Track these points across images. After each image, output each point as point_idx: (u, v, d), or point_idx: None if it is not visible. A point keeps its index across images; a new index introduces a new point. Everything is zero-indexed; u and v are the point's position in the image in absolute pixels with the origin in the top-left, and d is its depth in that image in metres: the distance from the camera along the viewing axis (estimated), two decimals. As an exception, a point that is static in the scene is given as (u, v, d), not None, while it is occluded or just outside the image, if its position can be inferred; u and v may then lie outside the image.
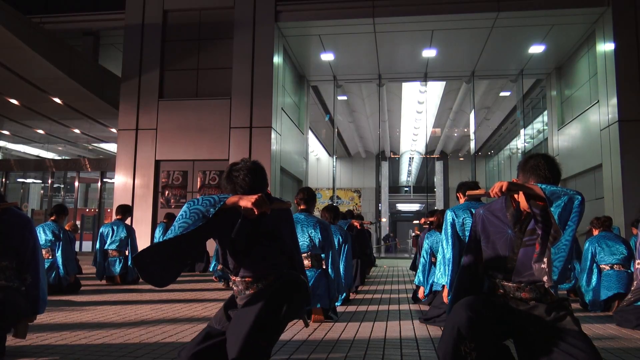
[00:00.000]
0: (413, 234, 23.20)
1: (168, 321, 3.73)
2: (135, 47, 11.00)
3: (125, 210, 7.11)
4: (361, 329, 3.53)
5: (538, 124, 16.26)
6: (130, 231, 6.86)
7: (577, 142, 11.67)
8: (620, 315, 3.98)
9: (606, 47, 9.92)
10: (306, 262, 3.83)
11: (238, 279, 2.22)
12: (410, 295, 5.60)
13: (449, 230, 3.46)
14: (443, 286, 3.66)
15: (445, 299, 3.49)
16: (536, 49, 11.89)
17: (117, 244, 6.70)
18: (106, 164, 15.11)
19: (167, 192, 10.66)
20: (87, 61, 11.99)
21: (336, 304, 4.27)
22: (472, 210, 3.46)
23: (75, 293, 5.53)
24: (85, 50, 13.12)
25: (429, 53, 12.35)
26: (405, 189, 30.32)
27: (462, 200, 3.78)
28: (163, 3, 11.01)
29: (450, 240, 3.45)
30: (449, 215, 3.51)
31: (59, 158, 19.21)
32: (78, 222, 14.94)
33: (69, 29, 13.00)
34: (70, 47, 11.15)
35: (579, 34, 11.00)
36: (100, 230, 6.90)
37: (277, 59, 10.78)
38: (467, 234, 3.41)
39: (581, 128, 11.42)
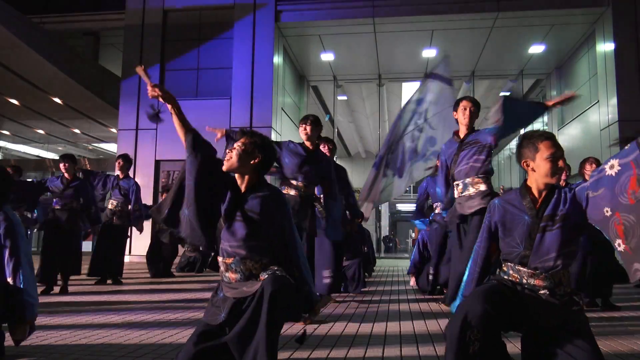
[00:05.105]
0: (413, 234, 23.19)
1: (168, 321, 3.73)
2: (135, 47, 11.00)
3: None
4: (361, 328, 3.53)
5: (538, 124, 16.25)
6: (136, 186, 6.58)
7: (577, 142, 11.66)
8: None
9: (606, 47, 9.92)
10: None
11: (221, 259, 2.27)
12: (410, 296, 5.59)
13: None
14: None
15: None
16: (536, 49, 11.89)
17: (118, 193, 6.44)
18: (106, 164, 15.11)
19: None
20: (87, 61, 11.99)
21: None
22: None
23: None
24: (85, 50, 13.13)
25: (429, 53, 12.34)
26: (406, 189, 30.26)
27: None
28: (163, 3, 11.01)
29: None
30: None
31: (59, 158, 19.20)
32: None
33: (69, 29, 13.01)
34: (70, 47, 11.15)
35: (578, 34, 11.00)
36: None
37: (277, 59, 10.78)
38: None
39: (581, 128, 11.42)
